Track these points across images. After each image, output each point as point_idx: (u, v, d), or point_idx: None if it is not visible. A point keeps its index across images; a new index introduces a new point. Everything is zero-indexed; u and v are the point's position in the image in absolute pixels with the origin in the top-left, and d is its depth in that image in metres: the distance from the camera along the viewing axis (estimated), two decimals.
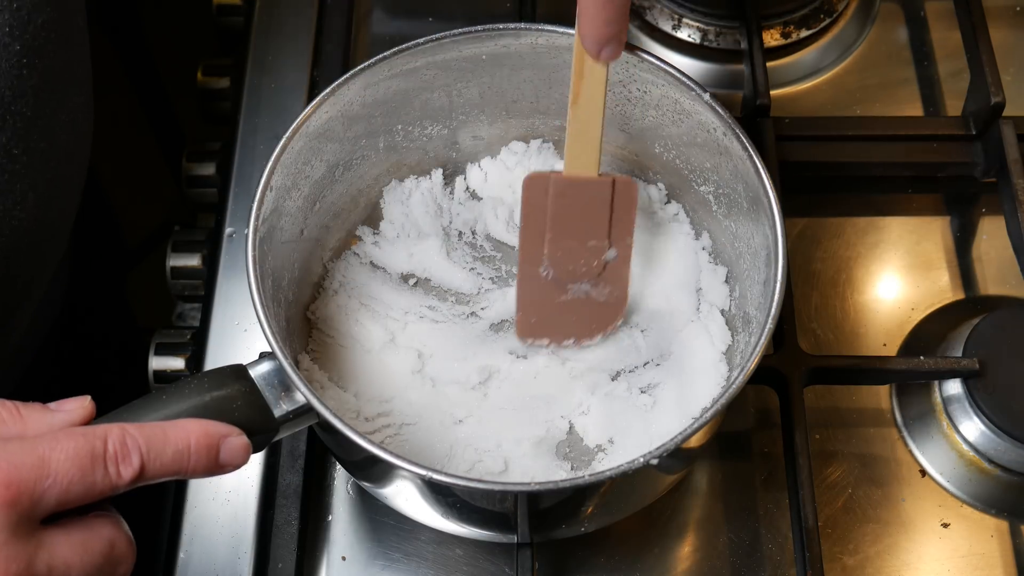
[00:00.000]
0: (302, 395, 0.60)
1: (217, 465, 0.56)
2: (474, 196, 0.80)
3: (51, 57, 0.65)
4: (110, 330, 1.02)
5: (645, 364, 0.74)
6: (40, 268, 0.70)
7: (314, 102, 0.68)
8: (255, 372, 0.60)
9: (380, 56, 0.70)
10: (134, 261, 1.35)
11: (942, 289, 0.83)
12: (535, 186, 0.70)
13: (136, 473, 0.52)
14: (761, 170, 0.66)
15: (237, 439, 0.56)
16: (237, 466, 0.56)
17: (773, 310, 0.62)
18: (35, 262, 0.69)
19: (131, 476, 0.52)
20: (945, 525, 0.75)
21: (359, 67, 0.70)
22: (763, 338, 0.61)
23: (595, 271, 0.72)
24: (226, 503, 0.74)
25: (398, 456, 0.58)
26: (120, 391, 0.87)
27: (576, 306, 0.73)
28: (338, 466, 0.76)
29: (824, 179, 0.87)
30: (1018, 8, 0.96)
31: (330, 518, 0.75)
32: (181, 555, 0.72)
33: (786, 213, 0.65)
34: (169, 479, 0.55)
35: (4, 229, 0.63)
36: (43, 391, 0.83)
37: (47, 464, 0.50)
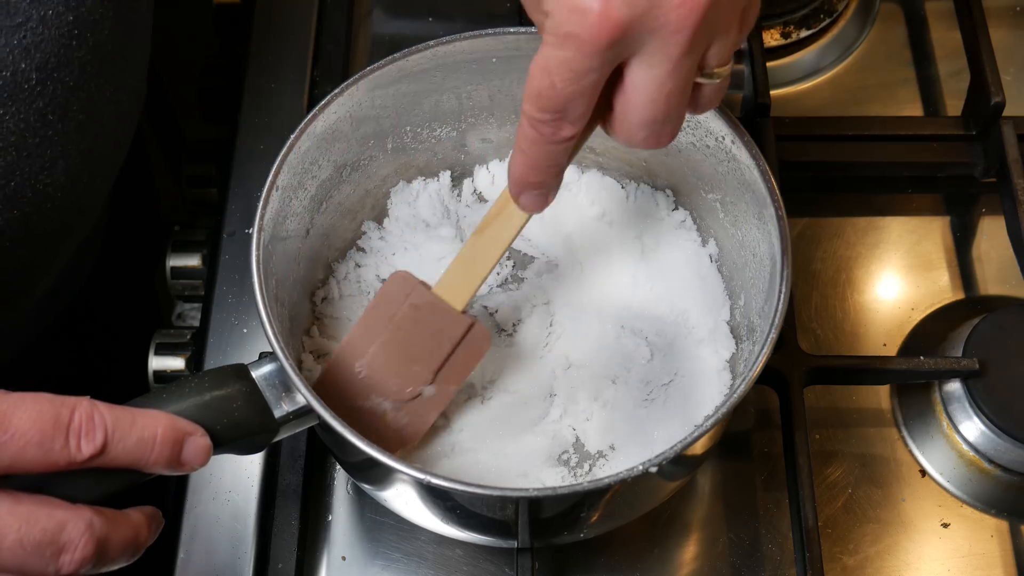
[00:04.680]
0: (303, 396, 0.60)
1: (178, 462, 0.54)
2: (481, 199, 0.80)
3: (103, 34, 0.65)
4: (128, 319, 1.03)
5: (648, 371, 0.74)
6: (61, 237, 0.71)
7: (322, 102, 0.68)
8: (256, 372, 0.60)
9: (390, 57, 0.70)
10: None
11: (942, 289, 0.84)
12: (398, 284, 0.67)
13: (97, 449, 0.51)
14: (769, 180, 0.66)
15: (201, 439, 0.55)
16: (195, 467, 0.55)
17: (777, 320, 0.62)
18: (57, 230, 0.69)
19: (91, 452, 0.51)
20: (945, 525, 0.75)
21: (368, 68, 0.69)
22: (766, 348, 0.61)
23: (405, 396, 0.68)
24: (226, 503, 0.74)
25: (397, 460, 0.58)
26: (122, 381, 0.87)
27: (369, 414, 0.68)
28: (338, 466, 0.76)
29: (824, 179, 0.87)
30: (1018, 8, 0.96)
31: (330, 518, 0.75)
32: (181, 555, 0.72)
33: (787, 213, 0.65)
34: (128, 468, 0.53)
35: (27, 192, 0.64)
36: (43, 371, 0.84)
37: (7, 419, 0.49)
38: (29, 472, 0.51)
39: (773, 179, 0.66)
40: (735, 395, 0.60)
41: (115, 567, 0.54)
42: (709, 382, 0.72)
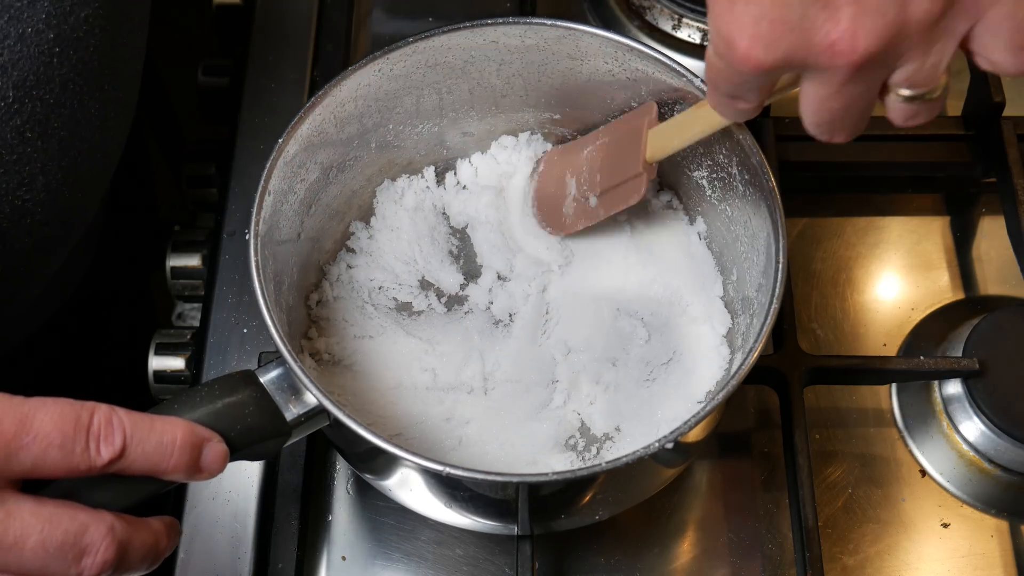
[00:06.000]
0: (313, 397, 0.60)
1: (197, 468, 0.54)
2: (465, 191, 0.80)
3: (88, 51, 0.65)
4: (123, 322, 1.03)
5: (647, 351, 0.74)
6: (45, 251, 0.70)
7: (307, 105, 0.68)
8: (264, 377, 0.60)
9: (370, 56, 0.70)
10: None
11: (942, 289, 0.84)
12: (643, 109, 0.72)
13: (116, 454, 0.51)
14: (757, 152, 0.66)
15: (219, 445, 0.55)
16: (213, 474, 0.55)
17: (778, 289, 0.62)
18: (39, 244, 0.69)
19: (110, 456, 0.51)
20: (945, 525, 0.75)
21: (350, 68, 0.70)
22: (768, 318, 0.62)
23: (581, 193, 0.75)
24: (226, 503, 0.74)
25: (418, 455, 0.58)
26: (117, 384, 0.87)
27: (561, 189, 0.77)
28: (338, 466, 0.76)
29: (824, 179, 0.87)
30: None
31: (330, 518, 0.75)
32: (181, 555, 0.72)
33: (786, 213, 0.65)
34: (147, 475, 0.53)
35: (5, 207, 0.64)
36: (33, 376, 0.84)
37: (30, 422, 0.49)
38: (51, 476, 0.51)
39: (761, 151, 0.66)
40: (742, 369, 0.60)
41: (136, 573, 0.53)
42: (708, 358, 0.72)
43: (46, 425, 0.50)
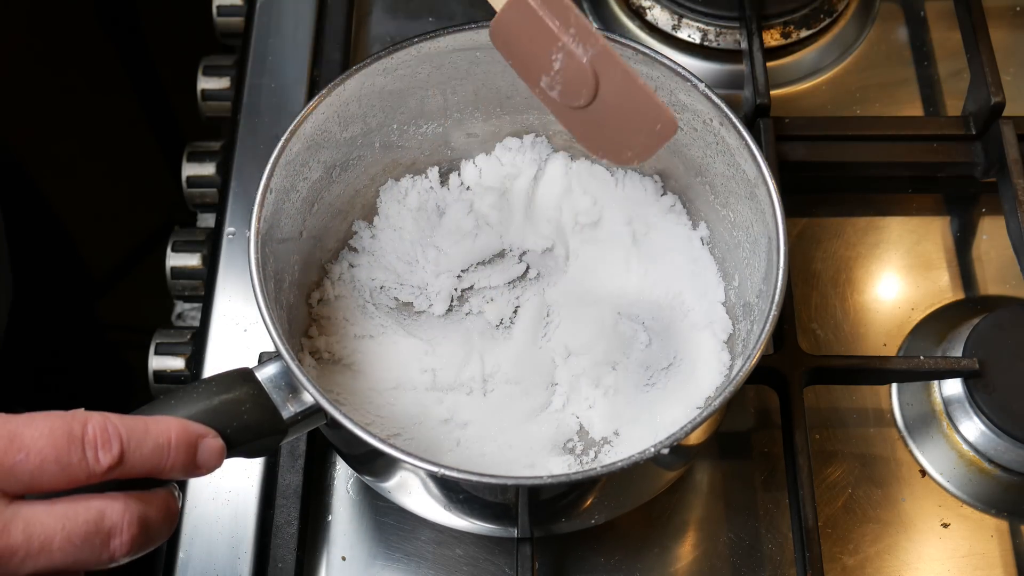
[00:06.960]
0: (310, 396, 0.60)
1: (194, 465, 0.55)
2: (469, 192, 0.80)
3: None
4: (77, 362, 1.01)
5: (647, 355, 0.74)
6: None
7: (311, 103, 0.68)
8: (262, 375, 0.60)
9: (375, 55, 0.70)
10: (101, 291, 1.35)
11: (942, 289, 0.84)
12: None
13: (115, 460, 0.51)
14: (758, 158, 0.66)
15: (214, 440, 0.56)
16: (211, 469, 0.56)
17: (777, 296, 0.62)
18: None
19: (110, 463, 0.51)
20: (945, 525, 0.75)
21: (354, 67, 0.70)
22: (768, 325, 0.62)
23: (589, 81, 0.62)
24: (226, 503, 0.74)
25: (413, 455, 0.58)
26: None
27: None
28: (338, 466, 0.76)
29: (824, 179, 0.87)
30: (1018, 8, 0.96)
31: (330, 518, 0.75)
32: (181, 555, 0.72)
33: (786, 213, 0.65)
34: (146, 476, 0.54)
35: None
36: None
37: (19, 439, 0.49)
38: (51, 489, 0.51)
39: (763, 157, 0.66)
40: (740, 373, 0.60)
41: (159, 543, 0.54)
42: (708, 363, 0.72)
43: (38, 440, 0.50)
